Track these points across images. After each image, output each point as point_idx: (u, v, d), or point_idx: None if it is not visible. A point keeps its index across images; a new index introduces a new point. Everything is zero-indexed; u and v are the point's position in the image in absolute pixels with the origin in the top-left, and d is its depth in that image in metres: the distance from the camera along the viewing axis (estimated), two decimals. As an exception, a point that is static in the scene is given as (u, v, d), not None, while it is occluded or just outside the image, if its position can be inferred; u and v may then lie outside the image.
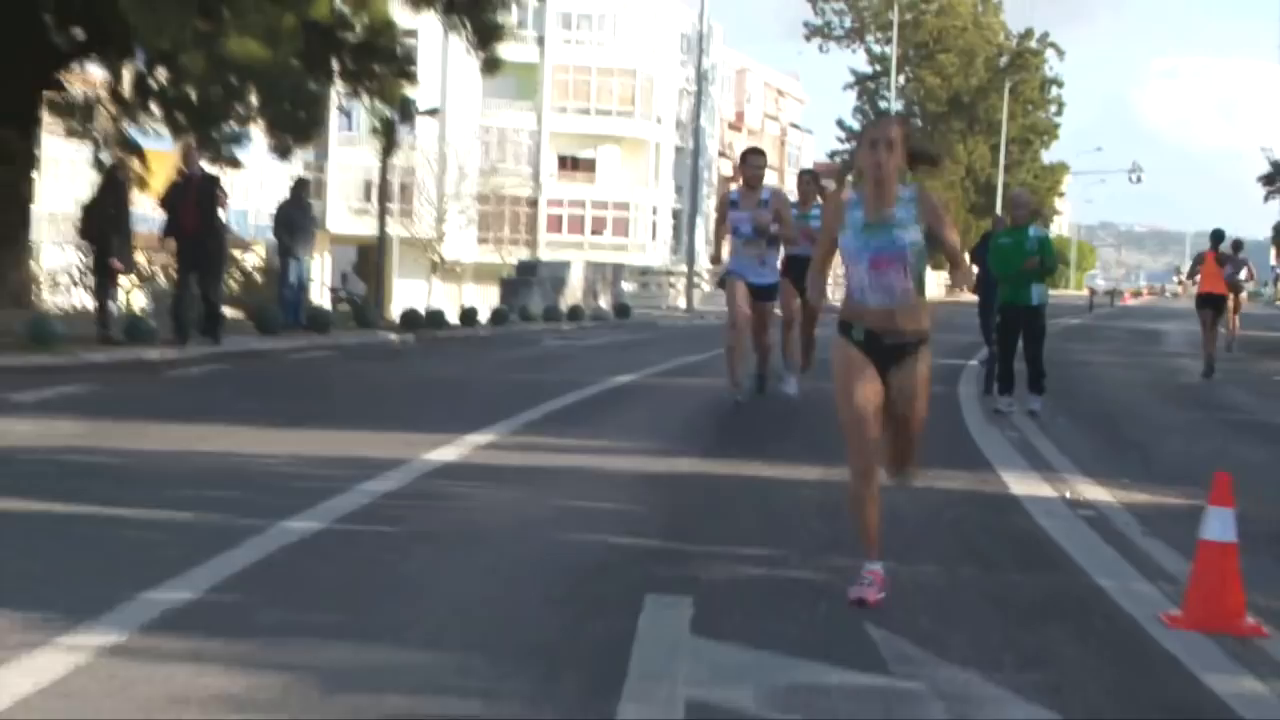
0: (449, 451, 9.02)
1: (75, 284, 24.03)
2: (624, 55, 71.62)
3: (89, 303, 19.07)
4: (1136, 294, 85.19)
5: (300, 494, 7.21)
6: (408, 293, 45.76)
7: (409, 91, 23.10)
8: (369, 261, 41.28)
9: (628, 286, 36.73)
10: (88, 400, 11.55)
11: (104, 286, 15.75)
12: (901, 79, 79.10)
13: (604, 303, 32.84)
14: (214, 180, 16.37)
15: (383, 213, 27.51)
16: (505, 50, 22.39)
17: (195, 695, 4.10)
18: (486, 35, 21.43)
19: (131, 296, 20.72)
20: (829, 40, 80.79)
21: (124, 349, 15.41)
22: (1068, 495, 8.09)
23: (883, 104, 77.69)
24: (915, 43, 78.28)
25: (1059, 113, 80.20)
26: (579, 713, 4.09)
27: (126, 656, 4.43)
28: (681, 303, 38.78)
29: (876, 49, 79.40)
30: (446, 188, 60.84)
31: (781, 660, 4.60)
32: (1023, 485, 8.41)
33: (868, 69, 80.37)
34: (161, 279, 21.44)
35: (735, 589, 5.64)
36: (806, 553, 6.29)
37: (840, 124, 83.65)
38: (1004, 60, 78.15)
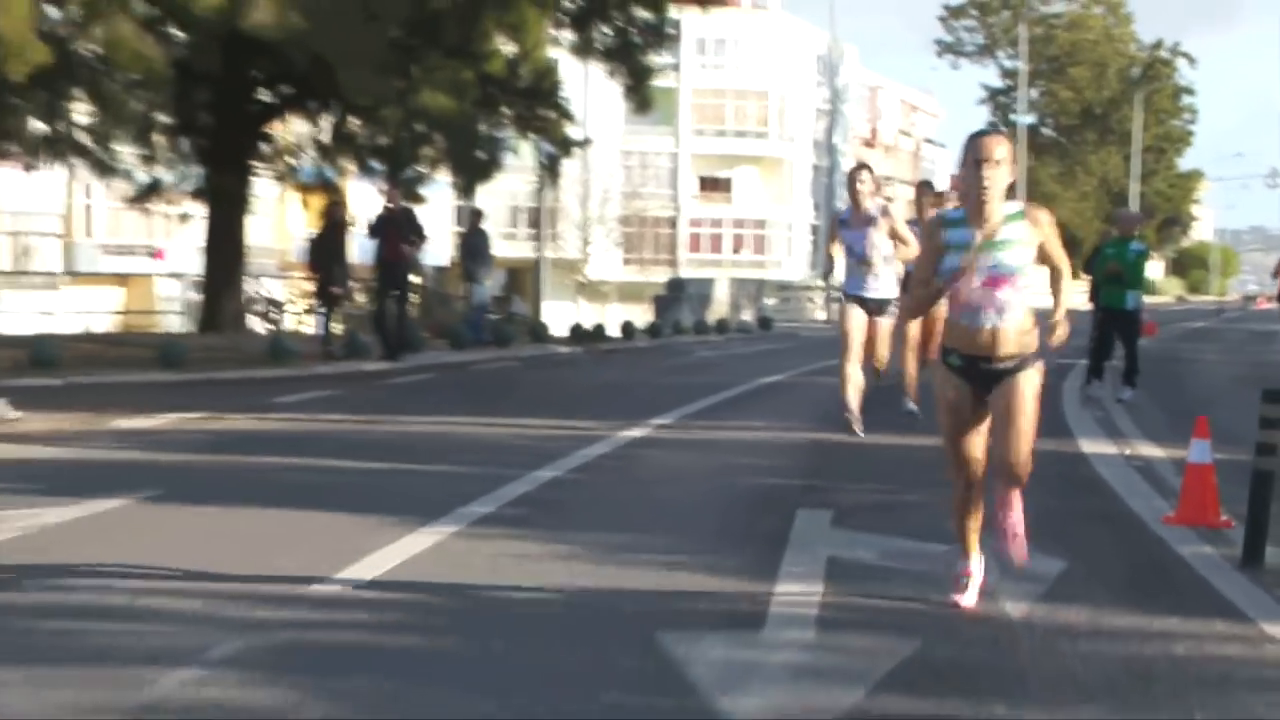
0: (635, 431, 11.49)
1: (268, 310, 27.20)
2: (758, 78, 73.83)
3: (286, 325, 21.89)
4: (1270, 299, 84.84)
5: (535, 455, 9.74)
6: (555, 312, 48.59)
7: (568, 129, 25.73)
8: (519, 282, 44.27)
9: (769, 301, 39.12)
10: (334, 401, 14.24)
11: (327, 309, 18.62)
12: (1034, 92, 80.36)
13: (747, 316, 35.25)
14: (412, 214, 19.09)
15: (540, 238, 30.25)
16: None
17: (522, 554, 6.61)
18: (639, 78, 24.00)
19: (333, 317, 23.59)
20: (960, 57, 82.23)
21: (345, 363, 18.20)
22: (1126, 453, 10.29)
23: (1013, 117, 79.09)
24: (1046, 57, 79.43)
25: (1192, 121, 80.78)
26: (756, 562, 6.50)
27: (466, 538, 6.97)
28: (820, 315, 41.02)
29: (1007, 64, 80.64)
30: (591, 211, 63.68)
31: (897, 540, 6.97)
32: (1093, 446, 10.63)
33: (999, 84, 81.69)
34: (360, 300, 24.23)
35: (864, 507, 8.01)
36: (919, 487, 8.61)
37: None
38: (1135, 71, 78.94)
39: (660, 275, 56.46)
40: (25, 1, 14.67)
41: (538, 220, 32.00)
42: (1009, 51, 79.86)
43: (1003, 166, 5.35)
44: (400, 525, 7.15)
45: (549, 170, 25.74)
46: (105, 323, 33.11)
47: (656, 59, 26.22)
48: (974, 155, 5.37)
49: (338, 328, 19.12)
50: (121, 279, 42.98)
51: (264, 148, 24.21)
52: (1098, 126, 78.80)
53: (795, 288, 47.12)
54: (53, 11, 17.20)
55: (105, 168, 21.89)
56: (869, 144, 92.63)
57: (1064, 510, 7.93)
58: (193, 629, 5.19)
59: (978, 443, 5.52)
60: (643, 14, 23.50)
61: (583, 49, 23.93)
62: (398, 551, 6.59)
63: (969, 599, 5.65)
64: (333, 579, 6.01)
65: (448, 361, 19.73)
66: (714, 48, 73.92)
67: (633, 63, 24.19)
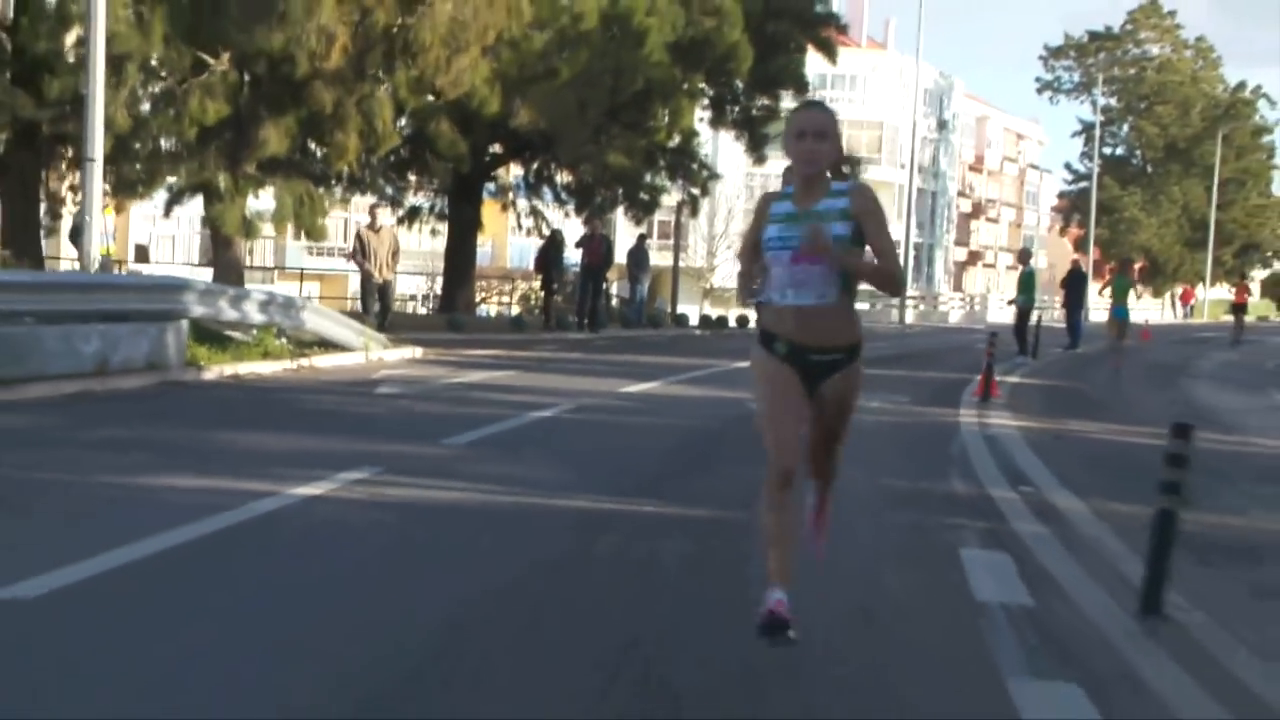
0: (741, 363, 21.35)
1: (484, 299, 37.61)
2: (872, 110, 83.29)
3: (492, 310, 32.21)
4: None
5: (690, 367, 19.53)
6: (684, 311, 58.80)
7: (704, 176, 35.60)
8: (659, 285, 54.46)
9: (862, 306, 48.89)
10: (565, 355, 24.15)
11: (550, 297, 28.81)
12: (1125, 127, 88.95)
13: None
14: (608, 236, 29.17)
15: (676, 253, 40.23)
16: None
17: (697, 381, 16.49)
18: (759, 144, 33.84)
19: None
20: (1059, 94, 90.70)
21: (558, 333, 28.29)
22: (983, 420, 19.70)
23: (1107, 150, 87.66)
24: (1137, 95, 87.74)
25: (1269, 157, 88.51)
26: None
27: (684, 384, 16.88)
28: (909, 318, 50.68)
29: (1101, 101, 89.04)
30: (716, 227, 73.64)
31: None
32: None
33: (1093, 118, 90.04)
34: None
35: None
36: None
37: (1068, 167, 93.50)
38: (1219, 110, 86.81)
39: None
40: (390, 107, 24.83)
41: (673, 235, 41.96)
42: (1104, 89, 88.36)
43: (829, 137, 5.00)
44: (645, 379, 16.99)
45: (690, 205, 35.67)
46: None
47: (774, 128, 35.96)
48: (796, 126, 5.03)
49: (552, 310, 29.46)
50: (319, 275, 53.75)
51: (490, 185, 34.58)
52: (1181, 159, 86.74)
53: (882, 297, 56.57)
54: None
55: (395, 202, 32.43)
56: (975, 169, 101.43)
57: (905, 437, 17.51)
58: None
59: (796, 433, 5.07)
60: (763, 100, 33.36)
61: (716, 122, 33.95)
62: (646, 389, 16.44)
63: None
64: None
65: (623, 335, 29.77)
66: (832, 82, 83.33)
67: (753, 131, 34.02)
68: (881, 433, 12.67)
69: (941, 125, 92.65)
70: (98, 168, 17.84)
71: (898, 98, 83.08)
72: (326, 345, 18.43)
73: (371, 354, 19.13)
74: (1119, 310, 25.48)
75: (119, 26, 21.62)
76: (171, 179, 26.78)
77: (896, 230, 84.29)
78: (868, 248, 5.01)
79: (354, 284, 54.74)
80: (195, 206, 30.21)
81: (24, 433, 10.41)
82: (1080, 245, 77.97)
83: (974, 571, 6.72)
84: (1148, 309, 77.32)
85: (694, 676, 4.82)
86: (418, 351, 20.57)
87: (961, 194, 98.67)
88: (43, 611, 5.26)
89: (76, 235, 20.43)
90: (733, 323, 37.53)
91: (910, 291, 73.97)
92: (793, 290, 4.99)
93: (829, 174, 5.08)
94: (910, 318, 51.61)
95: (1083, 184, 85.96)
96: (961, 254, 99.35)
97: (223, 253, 26.13)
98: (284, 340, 17.44)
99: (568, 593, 6.03)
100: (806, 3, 33.27)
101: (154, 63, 24.08)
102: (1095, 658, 5.35)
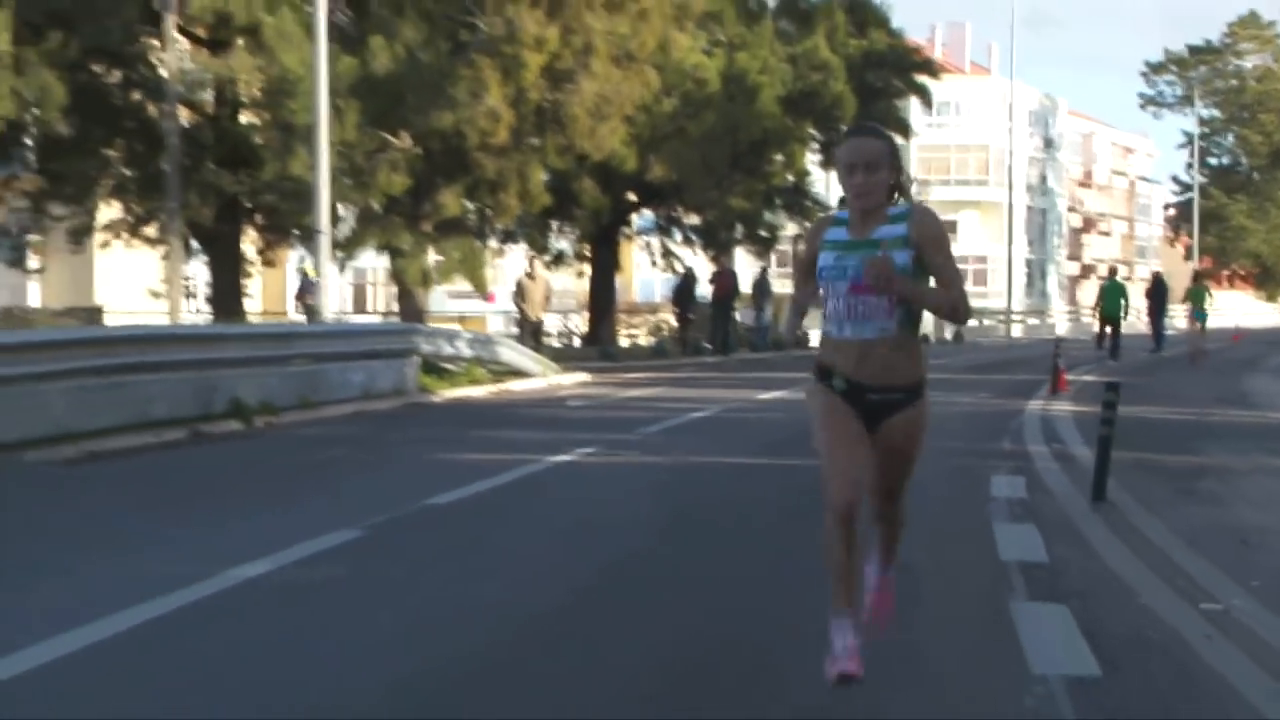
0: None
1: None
2: (979, 133, 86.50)
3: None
4: None
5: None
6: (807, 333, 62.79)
7: (817, 211, 39.59)
8: (781, 310, 58.61)
9: (973, 323, 52.25)
10: (705, 374, 28.16)
11: (685, 326, 33.00)
12: (1229, 137, 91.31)
13: (947, 334, 48.68)
14: (734, 271, 33.23)
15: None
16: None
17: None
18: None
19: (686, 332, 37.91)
20: (1162, 108, 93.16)
21: (695, 357, 32.41)
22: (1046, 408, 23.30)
23: (1212, 159, 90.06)
24: (1239, 105, 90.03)
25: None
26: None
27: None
28: (1017, 331, 54.08)
29: (1204, 113, 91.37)
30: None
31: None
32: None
33: (1195, 130, 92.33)
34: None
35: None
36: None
37: (1174, 179, 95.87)
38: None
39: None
40: (542, 170, 29.19)
41: (791, 265, 46.36)
42: (1206, 101, 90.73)
43: (878, 166, 4.77)
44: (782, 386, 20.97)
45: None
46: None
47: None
48: (845, 161, 4.86)
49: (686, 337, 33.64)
50: (460, 318, 58.35)
51: (625, 229, 38.91)
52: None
53: (994, 313, 60.03)
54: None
55: (542, 248, 36.92)
56: (1084, 184, 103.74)
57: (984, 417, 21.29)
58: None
59: (861, 467, 4.82)
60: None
61: (826, 163, 37.93)
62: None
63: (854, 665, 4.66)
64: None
65: (752, 357, 33.83)
66: (939, 109, 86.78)
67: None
68: (955, 417, 16.50)
69: (1047, 144, 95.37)
70: (326, 239, 22.35)
71: (1002, 120, 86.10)
72: (515, 373, 22.72)
73: (550, 379, 23.40)
74: (1198, 314, 29.21)
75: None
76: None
77: (997, 249, 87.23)
78: (930, 277, 4.77)
79: (492, 323, 59.97)
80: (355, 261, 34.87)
81: (346, 438, 14.75)
82: (1190, 254, 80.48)
83: (996, 486, 10.62)
84: (1263, 313, 79.55)
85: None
86: (585, 376, 24.81)
87: (1071, 209, 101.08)
88: (451, 515, 9.43)
89: (303, 293, 24.98)
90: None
91: (1019, 306, 77.23)
92: (851, 324, 4.78)
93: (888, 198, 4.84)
94: (1018, 331, 54.94)
95: (1189, 195, 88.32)
96: (1074, 268, 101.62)
97: (408, 302, 30.63)
98: (484, 369, 21.77)
99: (758, 496, 10.13)
100: (901, 53, 37.13)
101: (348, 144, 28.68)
102: (1053, 517, 9.27)
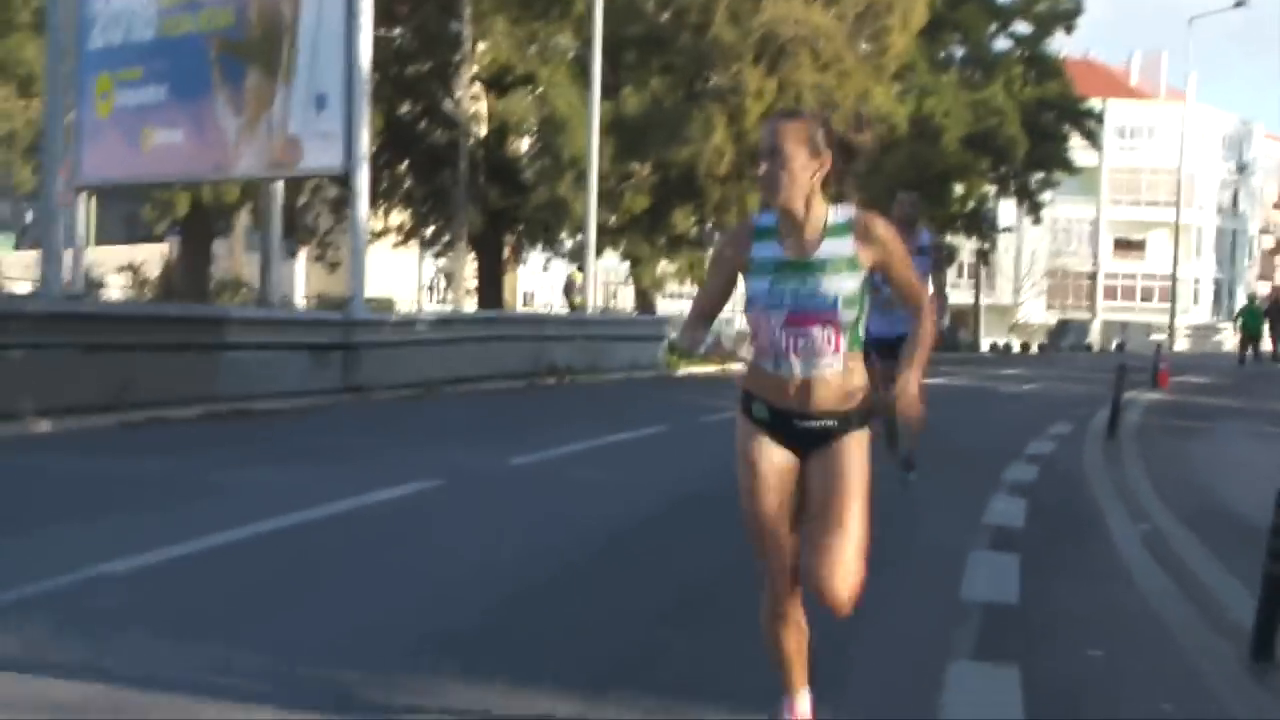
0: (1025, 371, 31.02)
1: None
2: (1170, 157, 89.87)
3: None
4: None
5: (972, 374, 29.49)
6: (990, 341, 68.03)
7: (996, 233, 45.23)
8: (961, 319, 64.05)
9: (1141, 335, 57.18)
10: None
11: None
12: None
13: (1112, 346, 53.97)
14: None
15: (977, 295, 50.04)
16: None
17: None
18: (1035, 209, 43.43)
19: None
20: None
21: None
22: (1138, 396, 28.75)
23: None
24: None
25: None
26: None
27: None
28: (1182, 345, 58.81)
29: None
30: (1021, 267, 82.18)
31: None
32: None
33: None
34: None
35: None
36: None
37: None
38: None
39: (1082, 318, 74.84)
40: (755, 198, 35.54)
41: (975, 278, 51.87)
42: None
43: (797, 153, 3.86)
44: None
45: (983, 258, 45.42)
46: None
47: (1048, 194, 45.42)
48: (761, 147, 3.93)
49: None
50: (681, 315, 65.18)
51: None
52: None
53: (1156, 328, 64.58)
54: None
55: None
56: (1278, 206, 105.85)
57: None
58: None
59: (787, 519, 4.05)
60: (1037, 175, 43.01)
61: (1001, 193, 43.75)
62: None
63: None
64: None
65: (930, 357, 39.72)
66: (1132, 133, 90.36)
67: (1031, 198, 43.59)
68: (1062, 398, 22.27)
69: (1241, 168, 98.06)
70: (592, 250, 29.12)
71: (1197, 145, 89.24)
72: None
73: (760, 363, 29.80)
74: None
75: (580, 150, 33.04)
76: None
77: (1198, 269, 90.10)
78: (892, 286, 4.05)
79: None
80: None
81: (623, 392, 21.31)
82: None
83: (1053, 428, 16.60)
84: None
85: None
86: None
87: (1264, 231, 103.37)
88: (639, 447, 15.89)
89: (569, 290, 31.85)
90: (1016, 348, 47.10)
91: (1190, 320, 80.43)
92: (795, 359, 3.92)
93: (827, 199, 3.95)
94: (1183, 345, 59.80)
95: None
96: (1265, 288, 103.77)
97: (643, 299, 37.41)
98: (712, 351, 28.29)
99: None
100: (1070, 101, 42.73)
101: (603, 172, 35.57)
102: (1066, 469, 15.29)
